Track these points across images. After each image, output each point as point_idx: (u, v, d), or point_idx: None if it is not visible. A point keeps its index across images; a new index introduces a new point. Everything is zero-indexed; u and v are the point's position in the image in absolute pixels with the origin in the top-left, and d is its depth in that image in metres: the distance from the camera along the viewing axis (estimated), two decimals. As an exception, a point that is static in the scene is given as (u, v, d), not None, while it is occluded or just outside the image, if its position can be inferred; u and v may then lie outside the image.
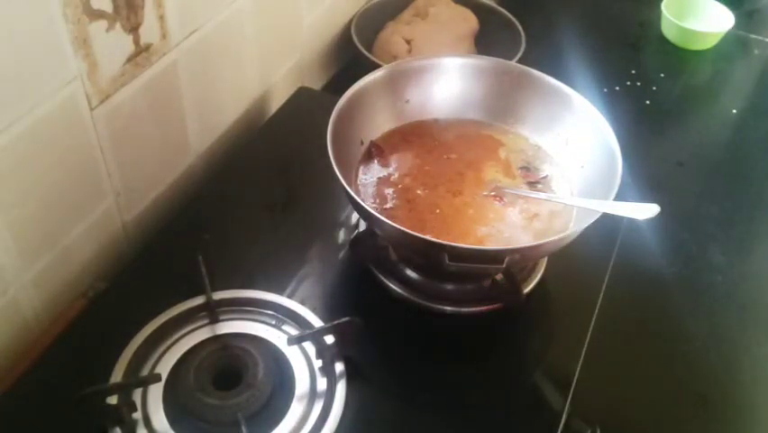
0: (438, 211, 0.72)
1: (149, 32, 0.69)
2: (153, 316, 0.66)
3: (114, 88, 0.67)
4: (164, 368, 0.64)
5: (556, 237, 0.65)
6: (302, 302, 0.69)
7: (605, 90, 1.13)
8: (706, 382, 0.78)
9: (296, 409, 0.62)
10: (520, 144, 0.79)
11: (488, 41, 1.09)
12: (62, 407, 0.59)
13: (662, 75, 1.19)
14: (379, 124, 0.79)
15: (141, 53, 0.69)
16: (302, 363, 0.65)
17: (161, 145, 0.78)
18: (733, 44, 1.26)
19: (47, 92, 0.60)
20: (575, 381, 0.67)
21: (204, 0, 0.76)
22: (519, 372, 0.70)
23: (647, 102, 1.13)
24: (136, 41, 0.68)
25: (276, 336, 0.67)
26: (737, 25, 1.22)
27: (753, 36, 1.30)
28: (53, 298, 0.70)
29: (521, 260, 0.68)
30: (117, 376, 0.62)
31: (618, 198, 0.64)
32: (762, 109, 1.16)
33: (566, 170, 0.76)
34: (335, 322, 0.64)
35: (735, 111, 1.14)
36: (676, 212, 0.94)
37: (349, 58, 1.10)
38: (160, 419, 0.60)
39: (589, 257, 0.76)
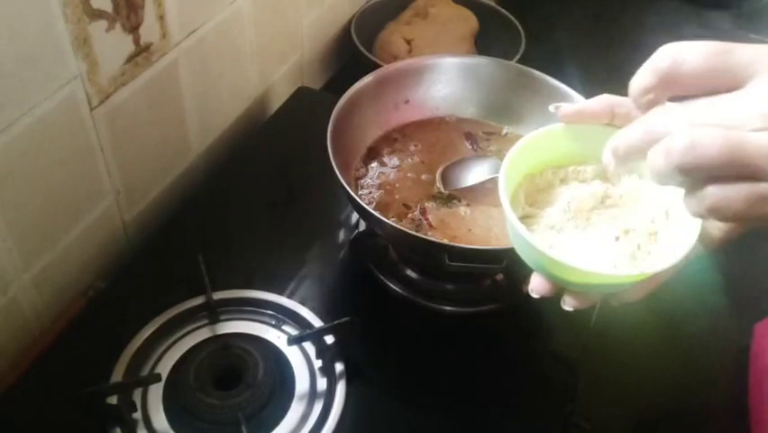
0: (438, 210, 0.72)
1: (149, 31, 0.69)
2: (153, 316, 0.66)
3: (114, 88, 0.67)
4: (164, 368, 0.64)
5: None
6: (302, 302, 0.69)
7: (605, 90, 1.13)
8: (706, 382, 0.78)
9: (296, 410, 0.62)
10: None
11: (488, 41, 1.09)
12: (62, 407, 0.60)
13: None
14: (379, 124, 0.79)
15: (141, 53, 0.69)
16: (302, 363, 0.65)
17: (161, 145, 0.78)
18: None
19: (47, 92, 0.60)
20: (576, 380, 0.67)
21: (204, 0, 0.76)
22: (519, 371, 0.70)
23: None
24: (136, 41, 0.68)
25: (276, 336, 0.67)
26: (737, 25, 1.22)
27: (753, 36, 1.30)
28: (53, 297, 0.70)
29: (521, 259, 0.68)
30: (117, 376, 0.62)
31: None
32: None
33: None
34: (335, 322, 0.64)
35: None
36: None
37: (349, 58, 1.10)
38: (159, 419, 0.60)
39: (589, 257, 0.76)
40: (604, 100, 0.45)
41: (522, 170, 0.47)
